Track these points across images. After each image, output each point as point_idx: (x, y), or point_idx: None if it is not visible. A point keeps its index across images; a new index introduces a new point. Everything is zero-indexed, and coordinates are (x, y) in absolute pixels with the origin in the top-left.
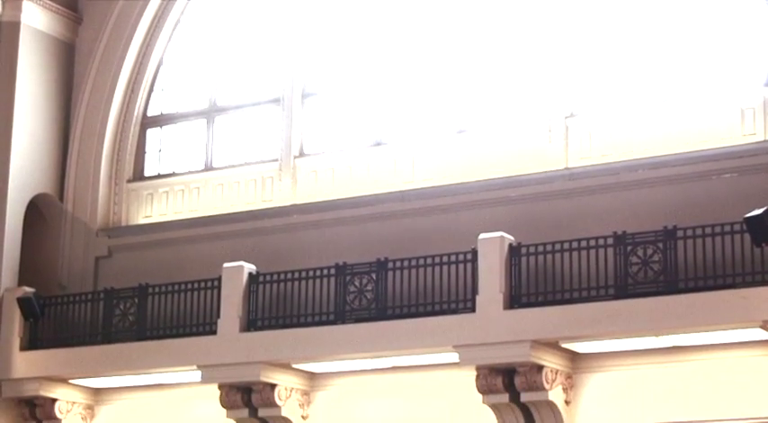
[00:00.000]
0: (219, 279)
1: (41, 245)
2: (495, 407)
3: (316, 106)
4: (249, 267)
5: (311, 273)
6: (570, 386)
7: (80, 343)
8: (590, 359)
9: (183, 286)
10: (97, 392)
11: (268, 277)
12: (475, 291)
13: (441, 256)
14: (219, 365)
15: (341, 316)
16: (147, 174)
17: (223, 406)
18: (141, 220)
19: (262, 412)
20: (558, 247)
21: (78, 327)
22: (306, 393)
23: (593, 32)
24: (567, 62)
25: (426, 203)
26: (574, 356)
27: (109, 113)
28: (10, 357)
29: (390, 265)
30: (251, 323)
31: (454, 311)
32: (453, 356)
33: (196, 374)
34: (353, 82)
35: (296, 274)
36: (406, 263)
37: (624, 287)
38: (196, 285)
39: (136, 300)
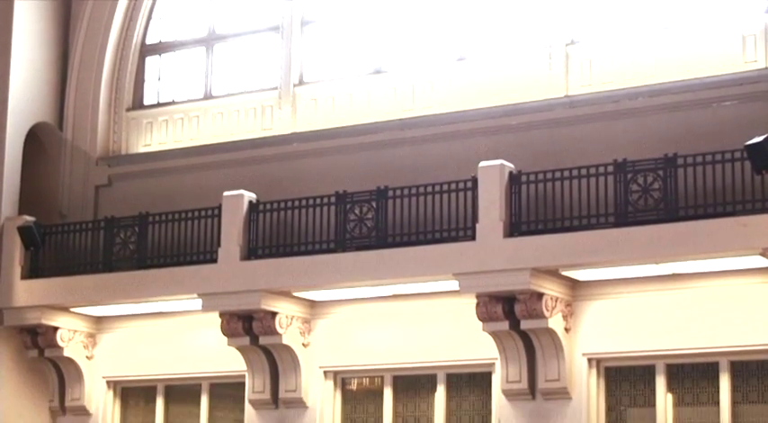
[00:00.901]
0: (219, 207)
1: (41, 174)
2: (494, 334)
3: (315, 34)
4: (249, 196)
5: (311, 201)
6: (570, 314)
7: (81, 271)
8: (590, 287)
9: (183, 215)
10: (98, 321)
11: (268, 206)
12: (475, 219)
13: (441, 184)
14: (220, 294)
15: (341, 244)
16: (146, 102)
17: (224, 334)
18: (141, 149)
19: (263, 340)
20: (558, 174)
21: (79, 255)
22: (306, 321)
23: None
24: None
25: (426, 131)
26: (573, 284)
27: (108, 41)
28: (11, 286)
29: (390, 193)
30: (251, 251)
31: (454, 239)
32: (453, 284)
33: (197, 303)
34: (353, 9)
35: (296, 203)
36: (406, 191)
37: (624, 215)
38: (196, 214)
39: (136, 228)
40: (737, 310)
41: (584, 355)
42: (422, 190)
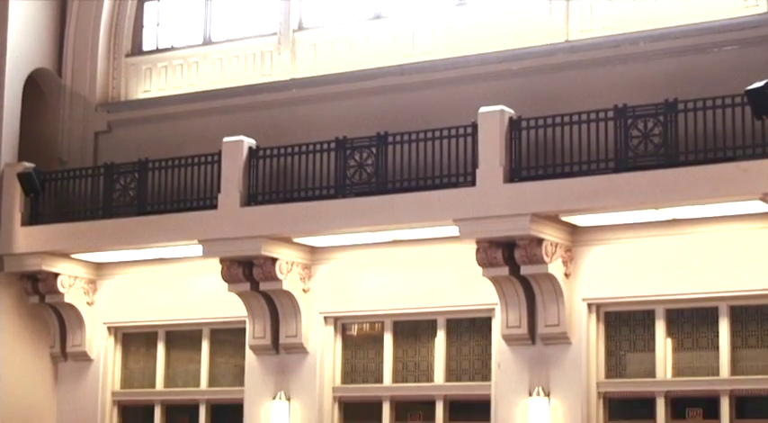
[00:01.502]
0: (219, 154)
1: (41, 120)
2: (494, 280)
3: None
4: (249, 142)
5: (311, 147)
6: (570, 259)
7: (81, 218)
8: (589, 232)
9: (182, 161)
10: (99, 267)
11: (268, 152)
12: (475, 164)
13: (441, 129)
14: (220, 240)
15: (341, 190)
16: (145, 48)
17: (224, 280)
18: (140, 95)
19: (263, 286)
20: (558, 120)
21: (79, 202)
22: (307, 267)
23: None
24: None
25: (426, 77)
26: (573, 229)
27: None
28: (11, 232)
29: (390, 138)
30: (251, 197)
31: (454, 185)
32: (453, 230)
33: (197, 249)
34: None
35: (296, 149)
36: (406, 137)
37: (624, 160)
38: (196, 160)
39: (136, 175)
40: (737, 255)
41: (583, 300)
42: (422, 136)
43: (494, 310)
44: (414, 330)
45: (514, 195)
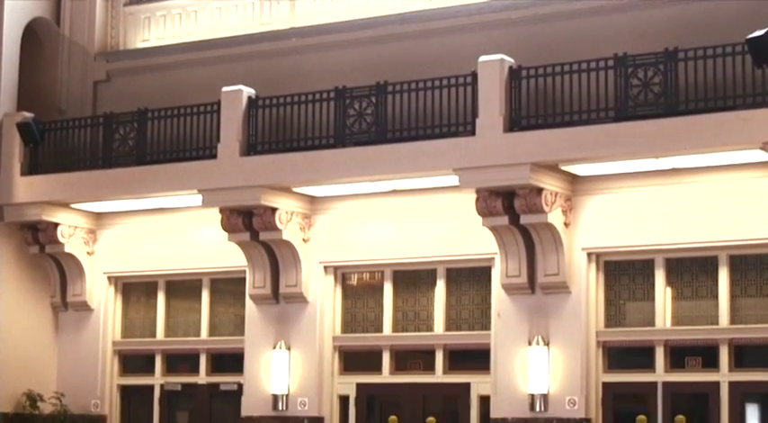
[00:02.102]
0: (218, 103)
1: (39, 70)
2: (494, 229)
3: None
4: (248, 91)
5: (310, 96)
6: (569, 208)
7: (80, 168)
8: (589, 181)
9: (182, 111)
10: (99, 217)
11: (267, 101)
12: (475, 113)
13: (440, 79)
14: (220, 189)
15: (341, 139)
16: None
17: (224, 230)
18: (139, 44)
19: (263, 236)
20: (558, 69)
21: (78, 151)
22: (306, 217)
23: None
24: None
25: (426, 26)
26: (573, 179)
27: None
28: (11, 182)
29: (390, 88)
30: (251, 147)
31: (454, 134)
32: (453, 179)
33: (197, 198)
34: None
35: (295, 98)
36: (405, 86)
37: (624, 109)
38: (195, 110)
39: (135, 124)
40: (737, 205)
41: (583, 249)
42: (421, 85)
43: (493, 259)
44: (413, 280)
45: (514, 145)
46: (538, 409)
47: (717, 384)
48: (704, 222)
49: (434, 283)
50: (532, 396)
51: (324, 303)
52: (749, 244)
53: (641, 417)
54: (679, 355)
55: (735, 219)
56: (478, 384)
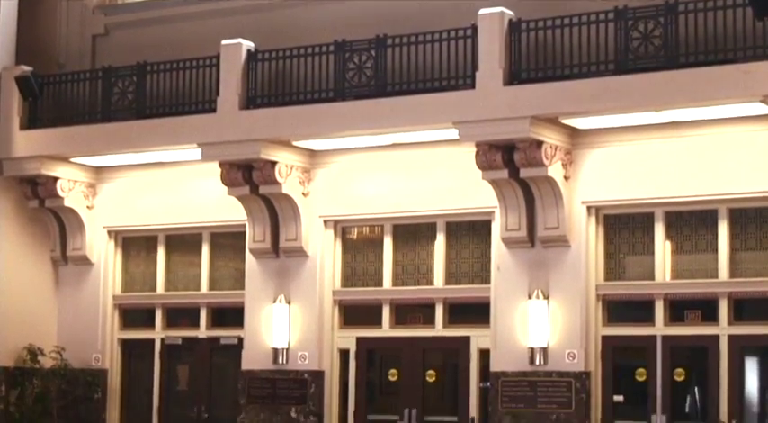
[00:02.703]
0: (218, 57)
1: (38, 23)
2: (494, 183)
3: None
4: (247, 45)
5: (310, 50)
6: (569, 162)
7: (80, 121)
8: (589, 135)
9: (181, 64)
10: (98, 171)
11: (267, 55)
12: (474, 67)
13: (440, 32)
14: (219, 143)
15: (340, 93)
16: None
17: (224, 183)
18: None
19: (263, 190)
20: (558, 22)
21: (77, 105)
22: (306, 171)
23: None
24: None
25: None
26: (573, 132)
27: None
28: (10, 136)
29: (389, 41)
30: (250, 101)
31: (454, 88)
32: (453, 133)
33: (196, 152)
34: None
35: (295, 52)
36: (405, 39)
37: (624, 62)
38: (194, 63)
39: (134, 78)
40: (737, 158)
41: (583, 203)
42: (421, 38)
43: (493, 213)
44: (413, 233)
45: (514, 98)
46: (537, 362)
47: (716, 338)
48: (704, 176)
49: (434, 237)
50: (532, 349)
51: (324, 257)
52: (749, 197)
53: (640, 370)
54: (678, 309)
55: (735, 172)
56: (478, 338)
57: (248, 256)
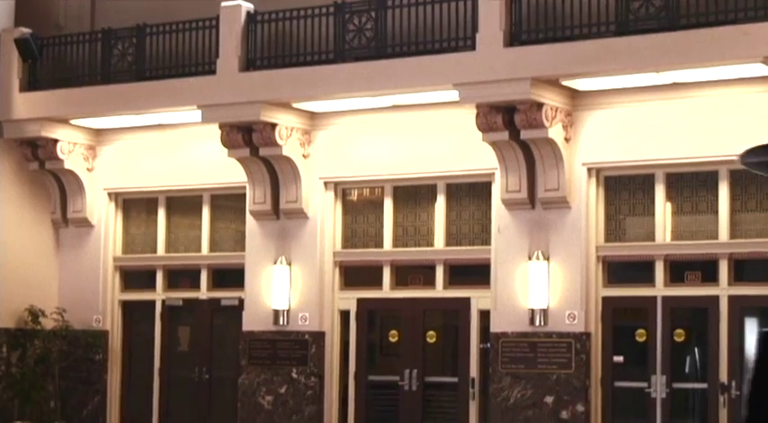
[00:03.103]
0: (217, 18)
1: None
2: (494, 144)
3: None
4: (247, 6)
5: (310, 11)
6: (570, 124)
7: (79, 83)
8: (590, 96)
9: (180, 26)
10: (98, 133)
11: (266, 16)
12: (475, 28)
13: None
14: (219, 105)
15: (340, 55)
16: None
17: (224, 145)
18: None
19: (263, 151)
20: None
21: (77, 67)
22: (306, 132)
23: None
24: None
25: None
26: (574, 94)
27: None
28: (10, 98)
29: (389, 2)
30: (250, 62)
31: (454, 49)
32: (453, 94)
33: (196, 114)
34: None
35: (294, 13)
36: (405, 0)
37: (625, 23)
38: (194, 25)
39: (134, 40)
40: (738, 119)
41: (583, 164)
42: (421, 0)
43: (494, 174)
44: (414, 195)
45: (514, 59)
46: (538, 323)
47: (716, 298)
48: (704, 137)
49: (434, 199)
50: (532, 310)
51: (324, 219)
52: None
53: (640, 331)
54: (678, 270)
55: (735, 133)
56: (479, 299)
57: (249, 217)
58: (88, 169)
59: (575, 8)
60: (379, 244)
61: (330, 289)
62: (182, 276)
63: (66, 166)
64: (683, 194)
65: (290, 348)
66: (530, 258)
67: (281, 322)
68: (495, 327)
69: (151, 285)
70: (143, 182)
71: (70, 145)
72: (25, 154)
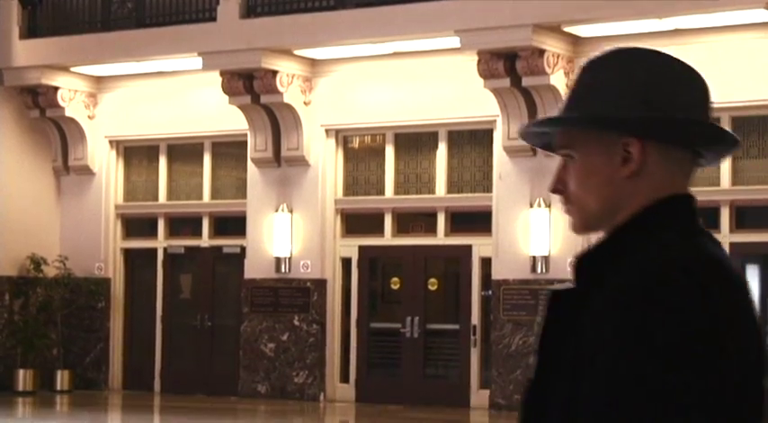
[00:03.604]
0: None
1: None
2: (496, 91)
3: None
4: None
5: None
6: (572, 70)
7: (80, 30)
8: (592, 43)
9: None
10: (99, 80)
11: None
12: None
13: None
14: (220, 52)
15: (341, 1)
16: None
17: (225, 93)
18: None
19: (264, 99)
20: None
21: (77, 14)
22: (307, 79)
23: None
24: None
25: None
26: (575, 40)
27: None
28: (10, 46)
29: None
30: (251, 9)
31: None
32: (455, 41)
33: (197, 61)
34: None
35: None
36: None
37: None
38: None
39: None
40: (740, 66)
41: None
42: None
43: (495, 121)
44: (415, 142)
45: (516, 6)
46: (539, 270)
47: None
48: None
49: (436, 146)
50: (534, 258)
51: (325, 166)
52: (752, 105)
53: None
54: None
55: (738, 80)
56: (480, 246)
57: (250, 165)
58: (89, 117)
59: None
60: (381, 191)
61: (331, 236)
62: (183, 224)
63: (67, 113)
64: None
65: (292, 296)
66: (531, 206)
67: (283, 270)
68: (496, 274)
69: (153, 233)
70: (144, 129)
71: (71, 92)
72: (26, 102)
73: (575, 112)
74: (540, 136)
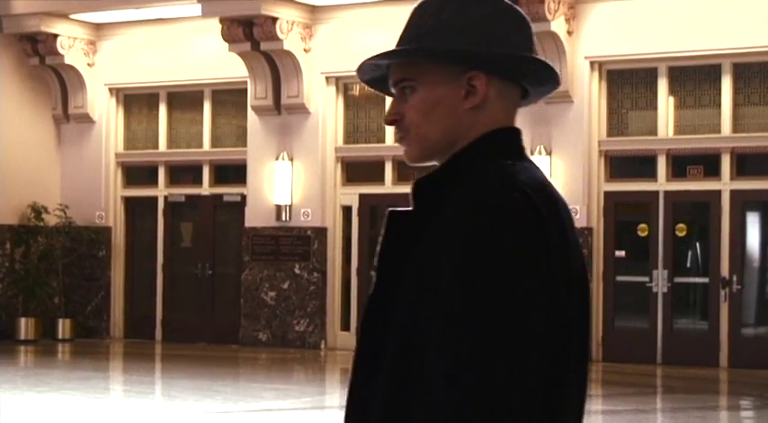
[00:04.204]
0: None
1: None
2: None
3: None
4: None
5: None
6: (572, 17)
7: None
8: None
9: None
10: (98, 27)
11: None
12: None
13: None
14: None
15: None
16: None
17: (224, 40)
18: None
19: (264, 46)
20: None
21: None
22: (307, 26)
23: None
24: None
25: None
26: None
27: None
28: None
29: None
30: None
31: None
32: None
33: (196, 8)
34: None
35: None
36: None
37: None
38: None
39: None
40: (741, 12)
41: (586, 58)
42: None
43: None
44: None
45: None
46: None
47: (718, 193)
48: (707, 30)
49: None
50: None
51: (326, 114)
52: (753, 52)
53: (642, 225)
54: (681, 164)
55: (739, 26)
56: None
57: (250, 113)
58: (89, 64)
59: None
60: (381, 139)
61: (332, 185)
62: (183, 172)
63: (67, 61)
64: (685, 88)
65: (293, 244)
66: (532, 153)
67: (284, 218)
68: None
69: (153, 181)
70: (144, 77)
71: (70, 40)
72: (25, 49)
73: (420, 46)
74: (373, 70)
